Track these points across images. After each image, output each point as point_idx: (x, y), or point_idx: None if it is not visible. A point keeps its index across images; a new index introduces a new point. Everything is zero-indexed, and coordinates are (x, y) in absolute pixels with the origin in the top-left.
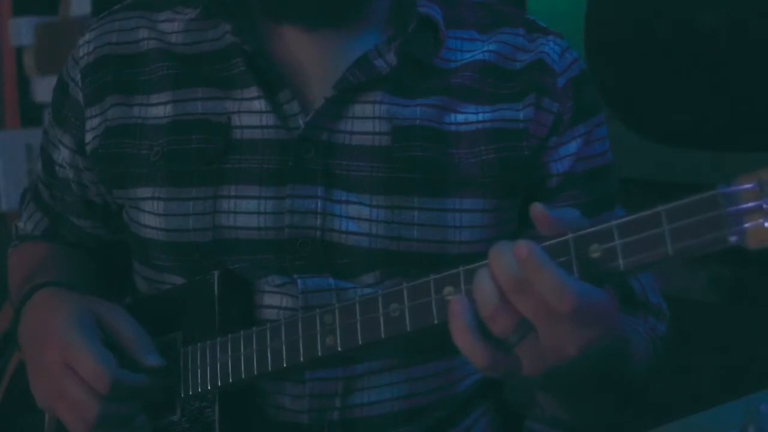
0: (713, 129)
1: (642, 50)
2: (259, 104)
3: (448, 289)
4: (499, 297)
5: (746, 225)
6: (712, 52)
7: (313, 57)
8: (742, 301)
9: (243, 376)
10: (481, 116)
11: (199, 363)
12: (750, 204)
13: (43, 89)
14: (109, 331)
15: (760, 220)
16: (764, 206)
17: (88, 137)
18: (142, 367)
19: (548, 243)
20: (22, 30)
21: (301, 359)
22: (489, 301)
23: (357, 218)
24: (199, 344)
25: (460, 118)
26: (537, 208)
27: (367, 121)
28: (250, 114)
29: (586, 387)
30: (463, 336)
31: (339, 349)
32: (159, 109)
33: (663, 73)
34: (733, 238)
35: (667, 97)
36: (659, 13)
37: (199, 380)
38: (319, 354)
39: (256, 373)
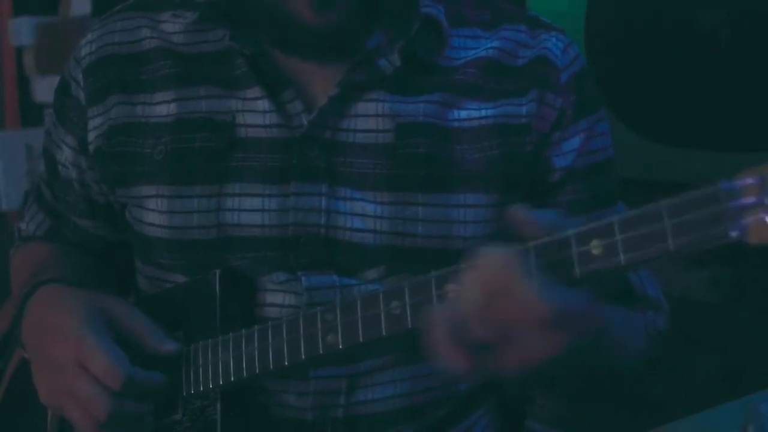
0: (713, 129)
1: (642, 50)
2: (263, 104)
3: (450, 286)
4: (480, 302)
5: (747, 220)
6: (712, 52)
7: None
8: (741, 301)
9: (245, 374)
10: (483, 112)
11: (201, 362)
12: (752, 199)
13: (43, 89)
14: (119, 326)
15: (762, 216)
16: (766, 201)
17: (91, 137)
18: (158, 355)
19: (549, 239)
20: (22, 30)
21: (303, 357)
22: (469, 305)
23: (361, 215)
24: (201, 343)
25: (463, 114)
26: (514, 214)
27: (370, 118)
28: (254, 113)
29: (567, 381)
30: (441, 343)
31: (340, 346)
32: (162, 107)
33: (663, 72)
34: (734, 234)
35: (668, 97)
36: (659, 13)
37: (201, 379)
38: (321, 352)
39: (258, 371)
